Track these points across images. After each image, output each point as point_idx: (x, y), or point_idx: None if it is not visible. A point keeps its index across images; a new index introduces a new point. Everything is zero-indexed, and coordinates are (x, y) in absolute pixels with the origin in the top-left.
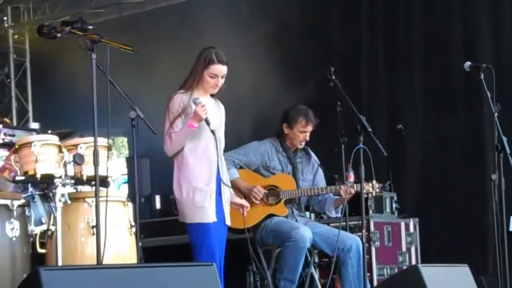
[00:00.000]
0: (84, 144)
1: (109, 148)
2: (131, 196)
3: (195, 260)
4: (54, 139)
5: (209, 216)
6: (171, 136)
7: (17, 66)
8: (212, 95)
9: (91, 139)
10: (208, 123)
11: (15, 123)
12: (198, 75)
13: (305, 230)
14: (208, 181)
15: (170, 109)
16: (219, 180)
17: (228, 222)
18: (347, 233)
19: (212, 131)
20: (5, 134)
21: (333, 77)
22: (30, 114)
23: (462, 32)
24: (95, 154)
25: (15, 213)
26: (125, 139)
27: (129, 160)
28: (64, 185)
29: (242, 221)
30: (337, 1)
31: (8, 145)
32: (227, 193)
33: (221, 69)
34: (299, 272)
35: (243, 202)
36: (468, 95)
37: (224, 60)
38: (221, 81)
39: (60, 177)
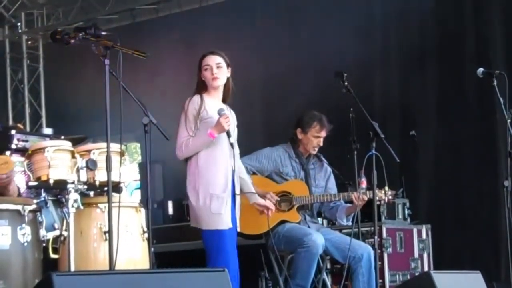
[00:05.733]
0: (97, 150)
1: (121, 153)
2: (144, 202)
3: (209, 266)
4: (67, 144)
5: (225, 222)
6: (187, 141)
7: (30, 72)
8: (224, 101)
9: (104, 144)
10: (229, 135)
11: (28, 129)
12: (200, 79)
13: (318, 237)
14: (224, 187)
15: (186, 113)
16: (233, 187)
17: (238, 228)
18: (359, 242)
19: (231, 144)
20: (18, 140)
21: (346, 83)
22: (43, 120)
23: (475, 38)
24: (108, 160)
25: (26, 218)
26: (138, 144)
27: (142, 166)
28: (76, 190)
29: (255, 226)
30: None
31: (21, 151)
32: (239, 199)
33: (211, 58)
34: (311, 278)
35: (268, 203)
36: (481, 101)
37: (214, 50)
38: (219, 71)
39: (73, 183)
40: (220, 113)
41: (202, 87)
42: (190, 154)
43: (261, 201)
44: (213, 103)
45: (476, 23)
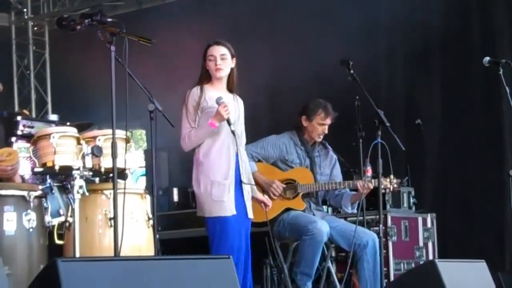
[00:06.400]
0: (103, 136)
1: (127, 140)
2: (149, 189)
3: (212, 253)
4: (73, 131)
5: (228, 209)
6: (190, 133)
7: (36, 58)
8: (231, 91)
9: (109, 131)
10: (229, 123)
11: (34, 115)
12: (204, 68)
13: (323, 224)
14: (226, 175)
15: (186, 105)
16: (238, 174)
17: (250, 215)
18: (364, 229)
19: (233, 132)
20: (24, 126)
21: (352, 71)
22: (49, 106)
23: (481, 28)
24: (113, 146)
25: (32, 204)
26: (143, 131)
27: (147, 153)
28: (82, 177)
29: (260, 214)
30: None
31: (27, 137)
32: (248, 186)
33: (216, 49)
34: (316, 266)
35: (265, 199)
36: (487, 90)
37: (219, 41)
38: (223, 63)
39: (78, 169)
40: (218, 101)
41: (205, 77)
42: (194, 145)
43: (259, 195)
44: (215, 94)
45: (481, 14)
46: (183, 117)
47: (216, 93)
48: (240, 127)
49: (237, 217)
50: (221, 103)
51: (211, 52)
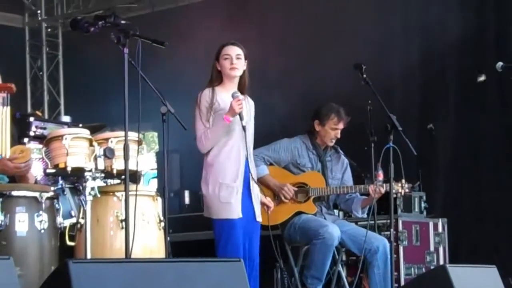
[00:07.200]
0: (115, 138)
1: (139, 142)
2: (160, 191)
3: (218, 256)
4: (85, 132)
5: (235, 212)
6: (206, 133)
7: (49, 60)
8: (242, 92)
9: (122, 133)
10: (241, 118)
11: (46, 116)
12: (215, 69)
13: (334, 228)
14: (235, 177)
15: (199, 106)
16: (247, 177)
17: (259, 218)
18: (375, 234)
19: (244, 127)
20: (36, 127)
21: (364, 75)
22: (62, 108)
23: (496, 31)
24: (126, 148)
25: (43, 205)
26: (156, 134)
27: (159, 155)
28: (94, 178)
29: (271, 217)
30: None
31: (39, 138)
32: (257, 189)
33: (232, 49)
34: (326, 270)
35: (267, 201)
36: (500, 94)
37: (234, 42)
38: (238, 62)
39: (90, 171)
40: (233, 95)
41: (216, 78)
42: (211, 144)
43: (262, 197)
44: (226, 96)
45: (497, 17)
46: (196, 119)
47: (227, 94)
48: (250, 129)
49: (243, 220)
50: (235, 97)
51: (227, 51)
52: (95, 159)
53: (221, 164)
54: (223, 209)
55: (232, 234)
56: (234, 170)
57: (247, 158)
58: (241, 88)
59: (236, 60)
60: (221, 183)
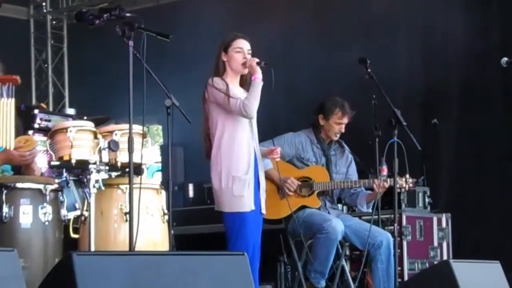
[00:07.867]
0: (119, 131)
1: (144, 135)
2: (165, 184)
3: (229, 249)
4: (90, 125)
5: (247, 205)
6: (243, 101)
7: (54, 52)
8: (243, 87)
9: (126, 126)
10: (260, 64)
11: (51, 109)
12: (221, 61)
13: (337, 223)
14: (246, 170)
15: (217, 88)
16: (257, 169)
17: (263, 211)
18: (378, 229)
19: (266, 64)
20: (41, 119)
21: (369, 70)
22: (67, 100)
23: (500, 28)
24: (130, 141)
25: (48, 197)
26: (160, 127)
27: (163, 148)
28: (98, 171)
29: (275, 211)
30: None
31: (44, 130)
32: (264, 182)
33: (244, 43)
34: (330, 264)
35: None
36: (504, 90)
37: (244, 35)
38: (249, 57)
39: (94, 163)
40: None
41: (220, 69)
42: (256, 105)
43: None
44: (234, 88)
45: (501, 13)
46: (223, 98)
47: (231, 86)
48: (254, 124)
49: (255, 213)
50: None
51: (239, 44)
52: (100, 151)
53: (233, 157)
54: (235, 203)
55: (243, 227)
56: (246, 163)
57: (255, 151)
58: (243, 84)
59: (248, 55)
60: (234, 176)
